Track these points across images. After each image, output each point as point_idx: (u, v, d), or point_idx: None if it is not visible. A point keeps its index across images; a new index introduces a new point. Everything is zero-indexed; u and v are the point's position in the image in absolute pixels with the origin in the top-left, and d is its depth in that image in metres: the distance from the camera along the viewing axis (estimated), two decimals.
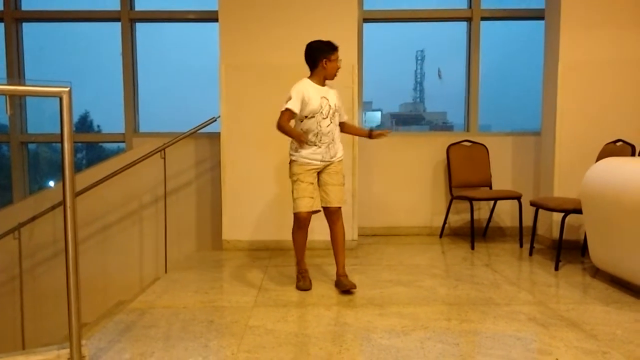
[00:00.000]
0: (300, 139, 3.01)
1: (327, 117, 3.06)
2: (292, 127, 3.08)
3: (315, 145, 3.06)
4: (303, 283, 3.15)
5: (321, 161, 3.09)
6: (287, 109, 3.01)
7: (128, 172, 4.45)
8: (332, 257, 3.65)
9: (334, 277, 3.28)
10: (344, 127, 3.28)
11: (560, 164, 4.29)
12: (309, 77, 3.10)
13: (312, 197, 3.06)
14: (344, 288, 3.05)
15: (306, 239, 3.18)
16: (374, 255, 4.04)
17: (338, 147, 3.16)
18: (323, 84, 3.11)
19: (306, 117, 3.04)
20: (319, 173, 3.15)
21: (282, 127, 3.03)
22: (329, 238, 3.16)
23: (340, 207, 3.14)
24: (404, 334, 2.36)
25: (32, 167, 5.09)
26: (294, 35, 4.14)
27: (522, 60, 5.28)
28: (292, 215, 3.11)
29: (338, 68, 3.09)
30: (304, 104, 3.02)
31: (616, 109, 4.25)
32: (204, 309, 2.77)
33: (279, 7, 4.17)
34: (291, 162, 3.13)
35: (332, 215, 3.13)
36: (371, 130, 3.28)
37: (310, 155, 3.06)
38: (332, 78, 3.11)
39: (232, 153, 4.22)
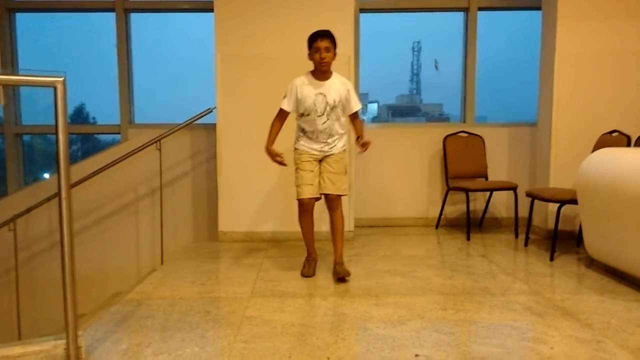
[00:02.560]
0: (269, 155, 3.06)
1: (322, 114, 3.05)
2: (274, 134, 3.10)
3: (313, 140, 3.12)
4: (306, 270, 3.21)
5: (320, 151, 3.13)
6: (281, 110, 3.11)
7: (124, 163, 4.43)
8: (329, 248, 3.67)
9: (331, 267, 3.30)
10: (352, 121, 3.22)
11: (556, 155, 4.30)
12: (311, 71, 3.09)
13: (312, 185, 3.11)
14: (338, 276, 3.09)
15: (312, 226, 3.24)
16: (370, 246, 4.05)
17: (338, 141, 3.15)
18: (324, 77, 3.06)
19: (302, 114, 3.09)
20: (320, 161, 3.16)
21: (271, 127, 3.11)
22: (326, 228, 3.17)
23: (339, 196, 3.15)
24: (400, 323, 2.37)
25: (26, 158, 5.07)
26: (290, 25, 4.11)
27: (519, 51, 5.27)
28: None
29: (321, 58, 2.96)
30: (298, 102, 3.06)
31: (612, 99, 4.26)
32: (200, 299, 2.77)
33: None
34: (294, 150, 3.19)
35: (331, 203, 3.16)
36: (359, 138, 3.12)
37: (308, 146, 3.13)
38: (320, 68, 3.01)
39: (228, 144, 4.21)
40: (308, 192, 3.09)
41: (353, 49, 4.16)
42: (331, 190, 3.11)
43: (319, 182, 3.14)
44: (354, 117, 3.21)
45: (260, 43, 4.15)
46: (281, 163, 3.09)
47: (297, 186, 3.13)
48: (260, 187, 4.25)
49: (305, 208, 3.14)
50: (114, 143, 4.97)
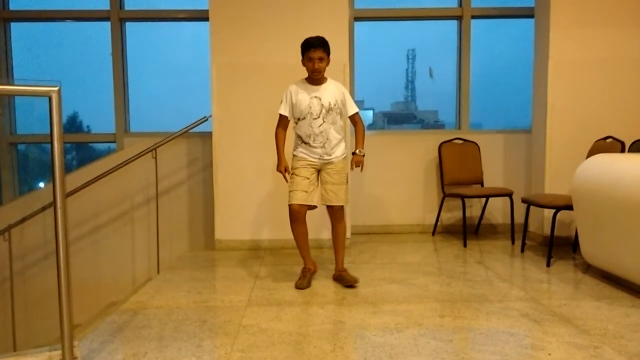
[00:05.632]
0: (279, 169, 3.12)
1: (318, 117, 3.05)
2: (282, 146, 3.14)
3: (310, 146, 3.09)
4: (300, 282, 3.14)
5: (319, 159, 3.11)
6: (279, 115, 3.14)
7: (119, 172, 4.42)
8: (324, 255, 3.65)
9: (328, 275, 3.30)
10: (354, 127, 3.24)
11: (551, 161, 4.31)
12: (305, 77, 3.12)
13: (306, 192, 3.07)
14: (348, 283, 3.10)
15: (306, 235, 3.19)
16: (367, 254, 4.04)
17: (337, 146, 3.13)
18: (318, 83, 3.09)
19: (299, 119, 3.10)
20: (319, 171, 3.16)
21: (275, 138, 3.16)
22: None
23: (342, 206, 3.16)
24: (398, 331, 2.36)
25: (21, 168, 5.05)
26: (285, 34, 4.13)
27: (513, 58, 5.31)
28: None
29: (314, 68, 2.99)
30: (293, 106, 3.09)
31: (606, 106, 4.29)
32: (197, 309, 2.76)
33: (269, 5, 4.15)
34: (293, 157, 3.17)
35: (335, 213, 3.18)
36: (354, 153, 3.14)
37: (307, 152, 3.11)
38: (314, 77, 3.05)
39: (224, 152, 4.21)
40: (300, 198, 3.05)
41: (348, 57, 4.18)
42: (334, 202, 3.13)
43: (321, 193, 3.15)
44: (354, 121, 3.22)
45: (256, 51, 4.17)
46: (285, 177, 3.14)
47: (290, 191, 3.10)
48: (256, 195, 4.24)
49: (295, 216, 3.08)
50: (109, 152, 4.96)
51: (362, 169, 3.14)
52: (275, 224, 4.24)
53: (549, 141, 4.30)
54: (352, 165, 3.12)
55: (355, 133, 3.22)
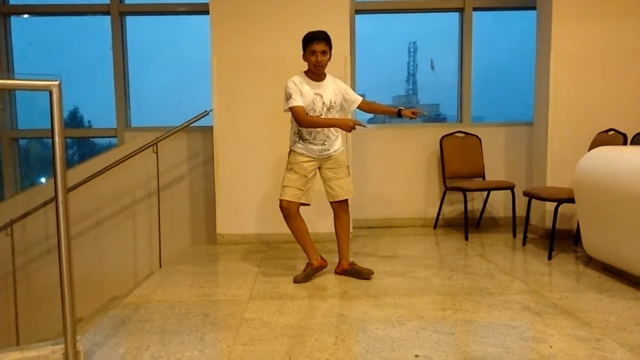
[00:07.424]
0: (351, 124, 2.95)
1: (320, 115, 3.02)
2: (323, 118, 3.02)
3: (310, 143, 3.05)
4: (297, 275, 3.12)
5: (319, 155, 3.08)
6: (298, 106, 2.94)
7: (120, 167, 4.42)
8: (323, 249, 3.65)
9: (329, 268, 3.29)
10: (365, 109, 3.25)
11: (553, 154, 4.31)
12: (305, 71, 3.06)
13: (301, 190, 3.06)
14: (366, 277, 3.12)
15: (303, 229, 3.14)
16: (369, 247, 4.04)
17: (335, 141, 3.12)
18: (319, 79, 3.04)
19: None
20: (319, 168, 3.15)
21: (314, 122, 2.98)
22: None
23: (347, 199, 3.18)
24: (399, 324, 2.37)
25: (23, 163, 5.05)
26: (286, 27, 4.12)
27: (515, 50, 5.28)
28: None
29: (317, 61, 2.94)
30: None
31: (608, 98, 4.27)
32: (199, 302, 2.77)
33: None
34: (290, 152, 3.13)
35: (342, 205, 3.19)
36: (400, 109, 3.16)
37: (306, 149, 3.07)
38: (316, 71, 3.00)
39: (225, 146, 4.20)
40: (291, 195, 3.03)
41: (349, 50, 4.16)
42: (343, 196, 3.15)
43: (326, 191, 3.17)
44: (364, 104, 3.22)
45: (256, 45, 4.15)
46: (361, 124, 3.03)
47: (283, 186, 3.07)
48: (257, 189, 4.24)
49: (285, 212, 3.06)
50: (110, 147, 4.96)
51: (417, 114, 3.15)
52: (276, 217, 4.19)
53: (551, 134, 4.29)
54: (412, 115, 3.12)
55: (375, 105, 3.31)
